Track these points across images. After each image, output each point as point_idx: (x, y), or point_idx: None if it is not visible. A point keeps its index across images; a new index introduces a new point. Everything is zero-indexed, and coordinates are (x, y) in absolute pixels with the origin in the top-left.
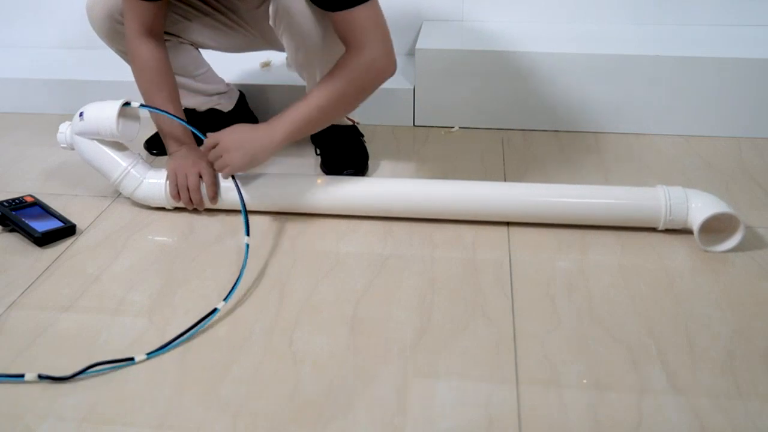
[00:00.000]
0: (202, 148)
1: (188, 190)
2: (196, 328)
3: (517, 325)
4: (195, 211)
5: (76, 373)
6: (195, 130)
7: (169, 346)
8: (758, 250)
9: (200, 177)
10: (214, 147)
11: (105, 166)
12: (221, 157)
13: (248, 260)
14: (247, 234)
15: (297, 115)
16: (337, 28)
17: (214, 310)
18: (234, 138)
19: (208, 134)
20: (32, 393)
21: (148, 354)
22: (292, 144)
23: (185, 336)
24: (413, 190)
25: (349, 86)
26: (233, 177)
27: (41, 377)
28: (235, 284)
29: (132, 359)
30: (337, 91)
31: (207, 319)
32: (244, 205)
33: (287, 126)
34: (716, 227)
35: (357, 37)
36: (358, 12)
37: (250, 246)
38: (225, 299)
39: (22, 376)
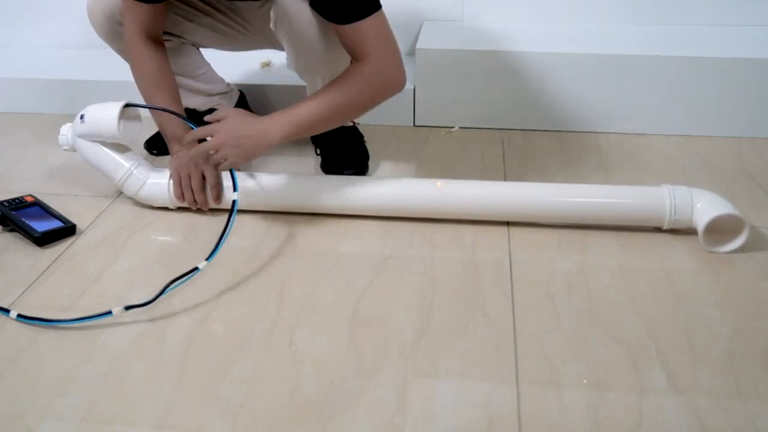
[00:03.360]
0: (188, 137)
1: (192, 190)
2: (176, 283)
3: (517, 325)
4: (199, 211)
5: (156, 297)
6: (193, 125)
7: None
8: (759, 251)
9: (203, 177)
10: (204, 139)
11: (108, 168)
12: (216, 152)
13: (249, 259)
14: (235, 190)
15: (301, 115)
16: (344, 41)
17: (195, 269)
18: (230, 132)
19: (202, 128)
20: (33, 392)
21: (207, 259)
22: (291, 144)
23: (169, 288)
24: (413, 190)
25: (358, 95)
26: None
27: (127, 308)
28: (219, 242)
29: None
30: (345, 97)
31: (188, 276)
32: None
33: (288, 125)
34: (720, 228)
35: (365, 49)
36: (365, 24)
37: (237, 205)
38: (207, 259)
39: (110, 312)
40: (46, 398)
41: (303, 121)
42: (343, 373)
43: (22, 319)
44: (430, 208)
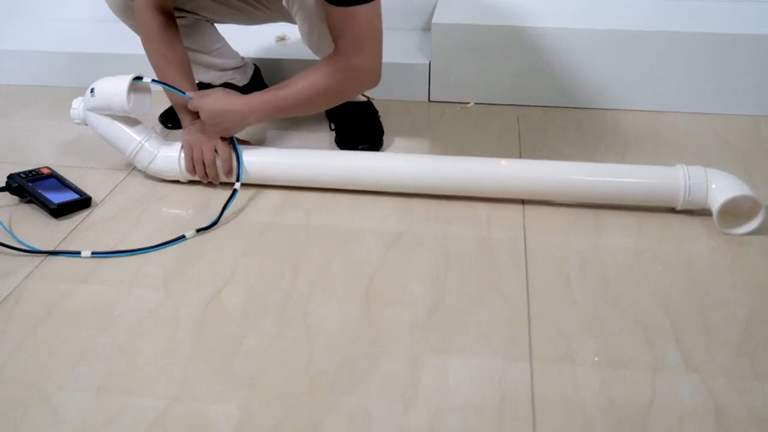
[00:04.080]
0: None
1: (203, 164)
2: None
3: (532, 302)
4: (210, 184)
5: (218, 217)
6: (183, 92)
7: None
8: None
9: (216, 151)
10: (195, 111)
11: (119, 141)
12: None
13: (263, 233)
14: (238, 180)
15: (273, 101)
16: (331, 23)
17: (182, 237)
18: (212, 110)
19: (192, 95)
20: (48, 362)
21: (197, 230)
22: (306, 119)
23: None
24: (428, 166)
25: (331, 87)
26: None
27: (198, 230)
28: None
29: (183, 236)
30: (317, 88)
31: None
32: (240, 158)
33: (259, 108)
34: (735, 209)
35: (350, 38)
36: (358, 12)
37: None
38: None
39: (184, 237)
40: (64, 369)
41: (277, 106)
42: (356, 347)
43: (98, 255)
44: (444, 185)
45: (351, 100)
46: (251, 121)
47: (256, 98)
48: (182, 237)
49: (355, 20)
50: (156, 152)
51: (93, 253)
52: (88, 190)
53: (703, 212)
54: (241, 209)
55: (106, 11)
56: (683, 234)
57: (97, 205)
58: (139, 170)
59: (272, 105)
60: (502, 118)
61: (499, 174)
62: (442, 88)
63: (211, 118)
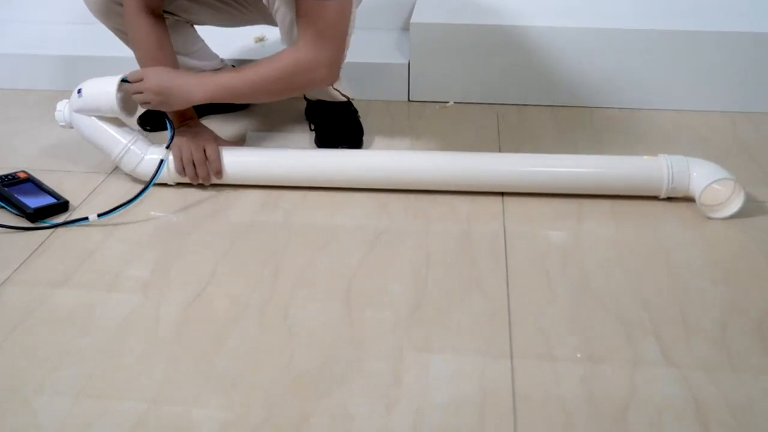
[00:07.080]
0: (129, 76)
1: (193, 165)
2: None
3: (512, 298)
4: (200, 186)
5: (130, 201)
6: (125, 78)
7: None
8: (753, 223)
9: (204, 151)
10: (139, 80)
11: (105, 144)
12: (141, 92)
13: (243, 233)
14: (167, 147)
15: (225, 83)
16: (300, 15)
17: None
18: (158, 80)
19: (133, 71)
20: (26, 365)
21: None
22: (286, 119)
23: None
24: (408, 161)
25: (284, 80)
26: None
27: (100, 215)
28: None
29: (85, 217)
30: (272, 78)
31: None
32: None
33: (211, 89)
34: (716, 198)
35: (314, 32)
36: (327, 6)
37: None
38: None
39: (86, 218)
40: (43, 372)
41: (229, 89)
42: (338, 346)
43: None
44: (424, 179)
45: (312, 95)
46: (198, 98)
47: (209, 77)
48: (85, 218)
49: (323, 14)
50: (143, 155)
51: None
52: (66, 194)
53: (683, 202)
54: (222, 209)
55: (82, 13)
56: (663, 225)
57: (75, 209)
58: (118, 173)
59: (225, 86)
60: (482, 117)
61: (481, 167)
62: (422, 88)
63: (157, 84)
